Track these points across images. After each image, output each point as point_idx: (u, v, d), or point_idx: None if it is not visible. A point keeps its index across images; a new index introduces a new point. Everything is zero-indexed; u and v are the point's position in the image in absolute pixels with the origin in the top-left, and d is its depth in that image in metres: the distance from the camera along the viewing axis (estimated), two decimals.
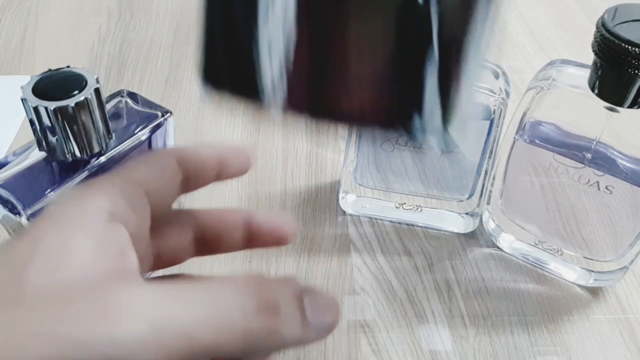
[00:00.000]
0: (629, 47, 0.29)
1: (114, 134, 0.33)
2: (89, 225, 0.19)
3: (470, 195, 0.42)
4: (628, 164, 0.35)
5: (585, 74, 0.33)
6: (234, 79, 0.20)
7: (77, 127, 0.30)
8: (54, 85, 0.29)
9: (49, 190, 0.30)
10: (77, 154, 0.31)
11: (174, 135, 0.37)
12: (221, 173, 0.24)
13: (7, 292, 0.17)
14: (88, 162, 0.31)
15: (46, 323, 0.16)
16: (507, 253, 0.42)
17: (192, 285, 0.18)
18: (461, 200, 0.42)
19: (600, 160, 0.35)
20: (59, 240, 0.18)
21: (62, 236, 0.19)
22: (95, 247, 0.19)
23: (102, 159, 0.32)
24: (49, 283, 0.17)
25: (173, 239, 0.24)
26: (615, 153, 0.35)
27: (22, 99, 0.29)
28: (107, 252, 0.19)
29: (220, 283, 0.18)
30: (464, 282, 0.40)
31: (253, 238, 0.25)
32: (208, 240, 0.25)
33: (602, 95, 0.32)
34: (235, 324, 0.17)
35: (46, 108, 0.28)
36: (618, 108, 0.33)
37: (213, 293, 0.18)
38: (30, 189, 0.30)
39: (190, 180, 0.24)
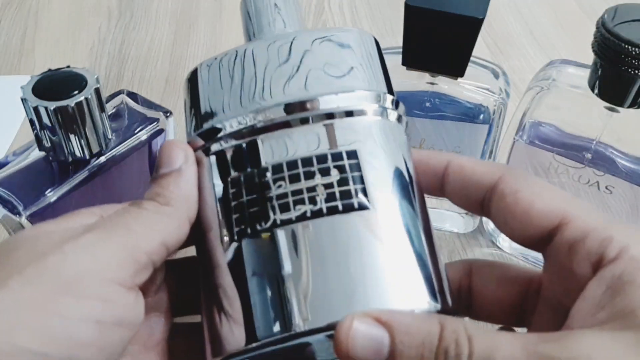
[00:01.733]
0: (629, 47, 0.29)
1: (113, 134, 0.33)
2: (78, 219, 0.22)
3: None
4: (628, 164, 0.35)
5: (585, 74, 0.33)
6: None
7: (77, 127, 0.30)
8: (54, 85, 0.29)
9: (49, 190, 0.30)
10: (77, 153, 0.31)
11: (174, 135, 0.37)
12: None
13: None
14: (88, 162, 0.31)
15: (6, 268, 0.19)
16: (507, 253, 0.42)
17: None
18: None
19: (600, 160, 0.35)
20: (47, 224, 0.22)
21: (52, 223, 0.22)
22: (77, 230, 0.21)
23: (102, 159, 0.32)
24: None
25: None
26: (615, 153, 0.35)
27: (22, 99, 0.29)
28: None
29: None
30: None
31: None
32: None
33: (602, 95, 0.32)
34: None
35: (46, 108, 0.28)
36: (618, 108, 0.33)
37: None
38: (30, 189, 0.30)
39: None
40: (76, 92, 0.29)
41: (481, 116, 0.37)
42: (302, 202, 0.21)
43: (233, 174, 0.22)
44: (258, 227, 0.21)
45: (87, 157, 0.31)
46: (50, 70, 0.30)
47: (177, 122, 0.49)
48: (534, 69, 0.38)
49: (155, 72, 0.57)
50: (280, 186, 0.21)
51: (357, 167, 0.22)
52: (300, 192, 0.21)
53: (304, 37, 0.24)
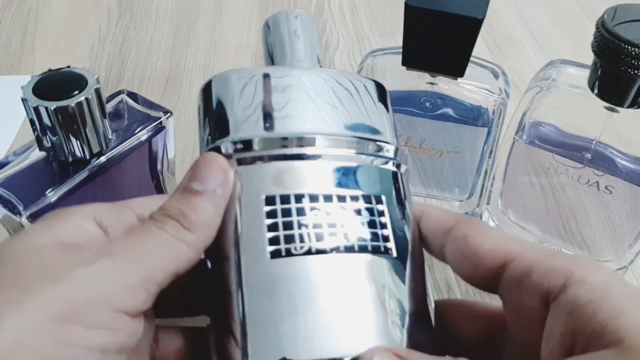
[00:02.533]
0: (629, 47, 0.29)
1: (114, 134, 0.33)
2: (72, 221, 0.22)
3: (470, 196, 0.42)
4: (628, 164, 0.35)
5: (585, 74, 0.33)
6: None
7: (77, 127, 0.30)
8: (55, 85, 0.29)
9: (49, 190, 0.30)
10: (78, 154, 0.31)
11: (174, 135, 0.37)
12: None
13: None
14: (88, 162, 0.31)
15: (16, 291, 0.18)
16: None
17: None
18: (461, 201, 0.42)
19: (599, 160, 0.35)
20: (40, 228, 0.21)
21: (46, 225, 0.21)
22: (75, 234, 0.21)
23: (103, 159, 0.32)
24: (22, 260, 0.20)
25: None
26: (615, 153, 0.35)
27: (22, 99, 0.29)
28: (84, 239, 0.21)
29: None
30: (464, 281, 0.40)
31: None
32: None
33: (601, 95, 0.32)
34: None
35: (46, 108, 0.28)
36: (618, 108, 0.33)
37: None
38: (30, 189, 0.30)
39: None
40: (76, 92, 0.29)
41: (481, 119, 0.37)
42: (335, 235, 0.22)
43: (268, 191, 0.22)
44: (293, 250, 0.21)
45: (88, 157, 0.31)
46: (50, 70, 0.30)
47: (177, 122, 0.49)
48: (534, 69, 0.38)
49: (156, 72, 0.57)
50: (316, 215, 0.22)
51: (383, 213, 0.23)
52: (334, 225, 0.22)
53: (338, 78, 0.26)
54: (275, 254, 0.21)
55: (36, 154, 0.31)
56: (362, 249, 0.22)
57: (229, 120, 0.24)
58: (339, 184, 0.23)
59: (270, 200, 0.22)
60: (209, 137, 0.24)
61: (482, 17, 0.32)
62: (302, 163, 0.23)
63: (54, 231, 0.21)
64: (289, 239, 0.22)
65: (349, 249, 0.22)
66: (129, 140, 0.33)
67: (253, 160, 0.23)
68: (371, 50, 0.39)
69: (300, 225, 0.22)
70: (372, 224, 0.23)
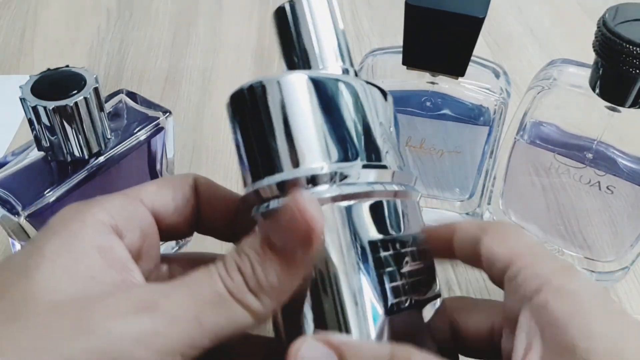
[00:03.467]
0: (630, 47, 0.29)
1: (112, 134, 0.32)
2: (91, 238, 0.20)
3: (471, 196, 0.42)
4: (629, 164, 0.35)
5: (587, 73, 0.33)
6: None
7: (76, 126, 0.29)
8: (53, 84, 0.29)
9: (47, 190, 0.30)
10: (76, 153, 0.31)
11: (173, 135, 0.37)
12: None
13: (12, 305, 0.17)
14: (87, 162, 0.31)
15: (47, 338, 0.17)
16: None
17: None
18: (462, 201, 0.42)
19: (601, 160, 0.35)
20: (64, 251, 0.19)
21: (67, 248, 0.19)
22: (100, 260, 0.19)
23: (101, 158, 0.32)
24: (56, 295, 0.18)
25: None
26: (617, 153, 0.35)
27: (21, 99, 0.29)
28: (112, 264, 0.20)
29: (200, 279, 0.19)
30: (465, 282, 0.40)
31: None
32: None
33: (603, 94, 0.32)
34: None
35: (45, 108, 0.28)
36: (619, 108, 0.32)
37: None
38: (29, 189, 0.30)
39: (206, 209, 0.24)
40: (75, 91, 0.29)
41: (482, 118, 0.37)
42: (422, 284, 0.21)
43: (372, 235, 0.20)
44: (401, 305, 0.20)
45: (86, 157, 0.31)
46: (49, 69, 0.30)
47: (177, 122, 0.49)
48: (535, 68, 0.38)
49: (155, 71, 0.57)
50: (407, 262, 0.20)
51: (430, 254, 0.22)
52: (420, 273, 0.21)
53: (378, 95, 0.23)
54: (391, 310, 0.19)
55: (35, 154, 0.31)
56: (436, 296, 0.22)
57: (300, 143, 0.20)
58: (403, 224, 0.21)
59: (374, 248, 0.19)
60: (272, 162, 0.20)
61: (482, 16, 0.31)
62: (384, 202, 0.20)
63: (74, 255, 0.19)
64: (397, 293, 0.19)
65: (431, 298, 0.21)
66: (128, 140, 0.33)
67: (336, 199, 0.19)
68: (371, 49, 0.39)
69: (402, 276, 0.20)
70: (432, 269, 0.22)
